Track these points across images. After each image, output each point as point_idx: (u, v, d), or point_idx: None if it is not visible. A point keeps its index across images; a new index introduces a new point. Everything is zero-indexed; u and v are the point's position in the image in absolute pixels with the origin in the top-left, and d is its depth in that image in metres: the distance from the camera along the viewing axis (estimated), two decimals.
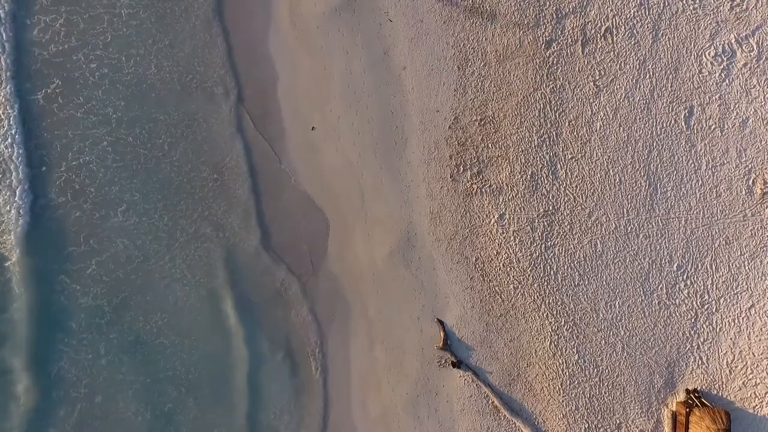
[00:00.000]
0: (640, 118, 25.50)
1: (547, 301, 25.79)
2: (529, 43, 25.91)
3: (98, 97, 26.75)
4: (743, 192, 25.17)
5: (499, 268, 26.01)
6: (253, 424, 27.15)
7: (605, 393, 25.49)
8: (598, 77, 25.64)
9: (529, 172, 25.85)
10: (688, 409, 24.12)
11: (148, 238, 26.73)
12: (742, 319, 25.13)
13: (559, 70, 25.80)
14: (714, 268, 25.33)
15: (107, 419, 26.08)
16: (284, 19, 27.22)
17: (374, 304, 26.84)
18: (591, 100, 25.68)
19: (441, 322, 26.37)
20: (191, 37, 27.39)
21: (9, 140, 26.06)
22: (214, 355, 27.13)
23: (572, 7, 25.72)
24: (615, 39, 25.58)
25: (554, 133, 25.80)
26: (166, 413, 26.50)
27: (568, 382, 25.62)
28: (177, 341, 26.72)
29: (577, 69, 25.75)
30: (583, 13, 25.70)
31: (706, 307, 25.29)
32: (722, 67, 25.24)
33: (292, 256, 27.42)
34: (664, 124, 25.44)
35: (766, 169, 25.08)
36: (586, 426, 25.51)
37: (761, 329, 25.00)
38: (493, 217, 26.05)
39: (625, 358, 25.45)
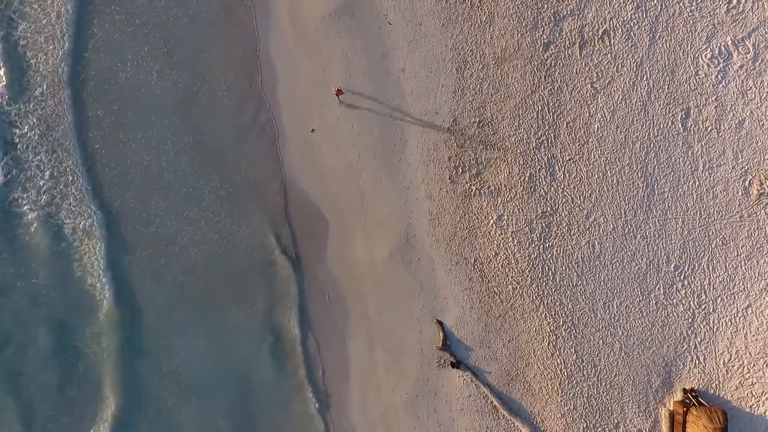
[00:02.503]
0: (637, 120, 25.69)
1: (545, 302, 25.98)
2: (527, 45, 26.09)
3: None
4: (740, 193, 25.35)
5: (498, 269, 26.20)
6: (253, 424, 27.34)
7: (603, 393, 25.68)
8: (595, 79, 25.83)
9: (528, 174, 26.04)
10: (685, 409, 24.30)
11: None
12: (739, 319, 25.32)
13: (557, 72, 25.98)
14: (711, 268, 25.52)
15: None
16: (284, 22, 27.41)
17: (374, 305, 27.03)
18: (589, 102, 25.86)
19: (440, 323, 26.56)
20: (195, 43, 27.67)
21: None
22: (214, 356, 27.44)
23: (570, 10, 25.90)
24: (612, 41, 25.76)
25: (552, 134, 25.98)
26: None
27: (567, 381, 25.81)
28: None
29: (574, 71, 25.93)
30: (580, 16, 25.88)
31: (703, 307, 25.48)
32: (719, 69, 25.42)
33: (293, 257, 27.63)
34: (661, 126, 25.62)
35: (762, 170, 25.26)
36: (585, 425, 25.70)
37: (758, 329, 25.19)
38: (492, 218, 26.23)
39: (623, 357, 25.64)
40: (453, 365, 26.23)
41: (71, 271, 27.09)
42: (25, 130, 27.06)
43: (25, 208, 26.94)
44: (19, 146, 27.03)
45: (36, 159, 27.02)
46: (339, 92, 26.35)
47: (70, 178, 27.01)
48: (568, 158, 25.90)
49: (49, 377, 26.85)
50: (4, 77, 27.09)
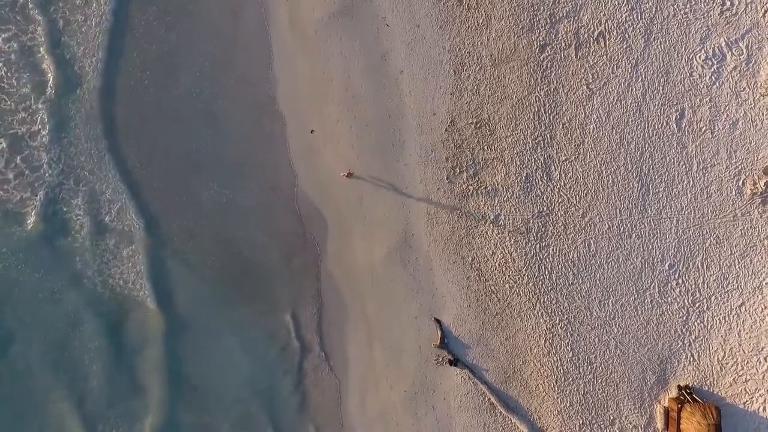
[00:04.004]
0: (632, 121, 26.00)
1: (541, 300, 26.31)
2: (523, 47, 26.40)
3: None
4: (733, 193, 25.66)
5: (495, 268, 26.54)
6: (252, 424, 27.68)
7: (599, 390, 26.02)
8: (591, 80, 26.14)
9: (524, 174, 26.36)
10: (680, 405, 24.61)
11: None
12: (733, 316, 25.63)
13: (553, 74, 26.29)
14: (705, 267, 25.83)
15: None
16: (283, 25, 27.75)
17: (372, 304, 27.35)
18: (584, 103, 26.17)
19: (438, 321, 26.88)
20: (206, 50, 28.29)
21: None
22: (210, 354, 27.85)
23: (566, 12, 26.20)
24: (608, 43, 26.07)
25: (548, 135, 26.30)
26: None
27: (563, 379, 26.14)
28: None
29: (570, 72, 26.24)
30: (576, 18, 26.19)
31: (697, 305, 25.81)
32: (712, 70, 25.71)
33: (292, 258, 27.97)
34: (656, 127, 25.94)
35: (755, 170, 25.56)
36: (581, 422, 26.04)
37: (751, 327, 25.50)
38: (489, 217, 26.56)
39: (618, 355, 25.98)
40: (451, 363, 26.56)
41: (114, 276, 27.67)
42: (72, 138, 27.86)
43: (69, 214, 27.67)
44: (62, 152, 27.84)
45: (77, 165, 27.79)
46: (349, 175, 26.67)
47: (110, 185, 27.73)
48: (564, 158, 26.23)
49: (96, 377, 27.52)
50: (51, 79, 27.82)
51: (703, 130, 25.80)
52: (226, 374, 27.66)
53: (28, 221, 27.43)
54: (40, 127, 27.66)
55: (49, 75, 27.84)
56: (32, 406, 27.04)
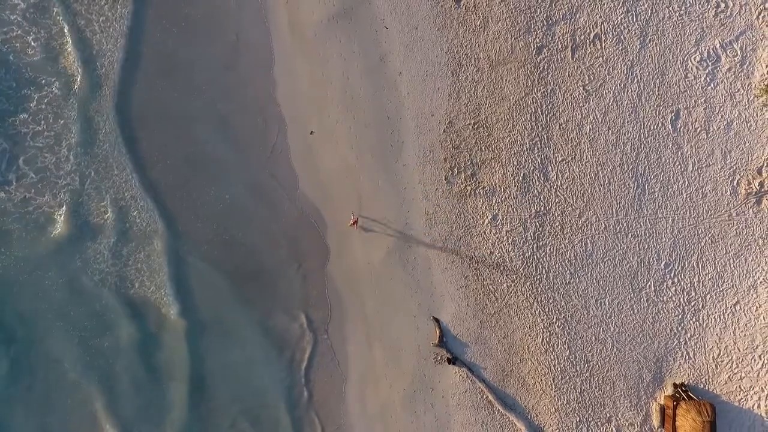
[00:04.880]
0: (628, 122, 26.30)
1: (539, 299, 26.59)
2: (520, 49, 26.70)
3: None
4: (728, 192, 25.95)
5: (493, 267, 26.82)
6: (253, 422, 27.94)
7: (596, 387, 26.30)
8: (587, 82, 26.44)
9: (521, 174, 26.65)
10: (675, 403, 24.91)
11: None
12: (728, 315, 25.92)
13: (549, 75, 26.59)
14: (700, 266, 26.12)
15: None
16: (283, 27, 28.02)
17: (372, 304, 27.61)
18: (581, 104, 26.47)
19: (437, 320, 27.15)
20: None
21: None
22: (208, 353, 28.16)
23: (562, 14, 26.50)
24: (603, 45, 26.37)
25: (545, 136, 26.60)
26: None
27: (560, 377, 26.42)
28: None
29: (567, 74, 26.53)
30: (572, 20, 26.49)
31: (692, 303, 26.09)
32: (707, 71, 26.02)
33: (299, 258, 28.23)
34: (652, 127, 26.23)
35: (750, 170, 25.86)
36: (578, 420, 26.32)
37: (746, 325, 25.79)
38: (487, 217, 26.85)
39: (614, 353, 26.26)
40: (449, 361, 26.83)
41: (129, 277, 27.84)
42: (81, 138, 27.98)
43: (90, 217, 27.87)
44: (70, 153, 27.98)
45: (86, 165, 27.95)
46: (355, 222, 26.98)
47: (120, 187, 27.89)
48: (560, 159, 26.52)
49: (115, 377, 27.71)
50: (61, 80, 27.99)
51: (698, 130, 26.10)
52: (242, 372, 27.92)
53: (55, 225, 27.67)
54: (44, 127, 27.88)
55: (62, 76, 27.97)
56: (41, 403, 27.30)
